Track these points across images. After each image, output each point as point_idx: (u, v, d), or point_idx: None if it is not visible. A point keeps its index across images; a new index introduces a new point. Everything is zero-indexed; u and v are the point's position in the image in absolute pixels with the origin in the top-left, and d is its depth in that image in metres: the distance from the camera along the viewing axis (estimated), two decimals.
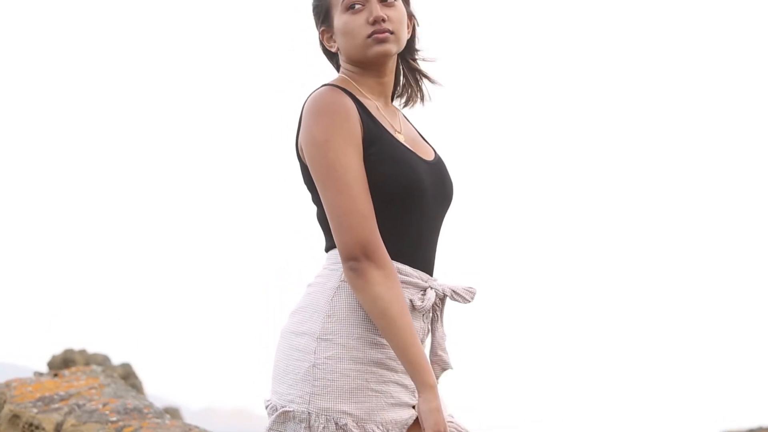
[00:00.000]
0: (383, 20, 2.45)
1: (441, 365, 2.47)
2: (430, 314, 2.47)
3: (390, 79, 2.56)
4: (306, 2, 2.61)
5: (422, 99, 2.66)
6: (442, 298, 2.48)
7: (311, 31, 2.62)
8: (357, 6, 2.46)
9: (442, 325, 2.49)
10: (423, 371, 2.29)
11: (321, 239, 2.51)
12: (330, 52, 2.60)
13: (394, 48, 2.48)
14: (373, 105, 2.49)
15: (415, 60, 2.63)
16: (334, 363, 2.31)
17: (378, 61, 2.49)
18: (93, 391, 4.05)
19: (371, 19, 2.45)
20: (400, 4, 2.51)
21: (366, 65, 2.50)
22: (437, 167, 2.53)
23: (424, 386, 2.28)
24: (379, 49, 2.46)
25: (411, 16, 2.58)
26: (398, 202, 2.39)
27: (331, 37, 2.54)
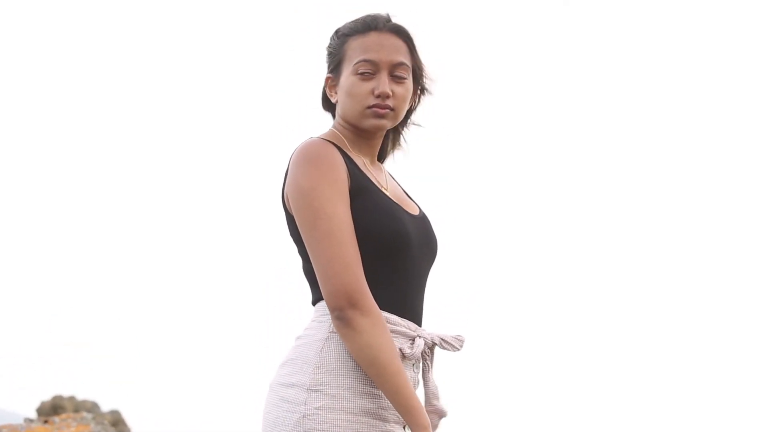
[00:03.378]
0: (387, 96, 2.46)
1: (438, 414, 2.46)
2: (420, 363, 2.46)
3: (379, 142, 2.58)
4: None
5: (393, 151, 2.70)
6: (431, 347, 2.48)
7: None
8: (367, 73, 2.46)
9: (432, 375, 2.48)
10: (416, 413, 2.28)
11: None
12: (329, 100, 2.61)
13: (389, 124, 2.50)
14: (361, 160, 2.50)
15: (403, 127, 2.66)
16: (324, 413, 2.28)
17: (371, 131, 2.52)
18: None
19: (377, 92, 2.46)
20: (409, 82, 2.51)
21: (359, 129, 2.51)
22: (423, 221, 2.55)
23: (418, 428, 2.28)
24: (375, 122, 2.48)
25: (423, 90, 2.59)
26: (385, 253, 2.38)
27: (335, 87, 2.55)
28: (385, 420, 2.35)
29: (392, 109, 2.47)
